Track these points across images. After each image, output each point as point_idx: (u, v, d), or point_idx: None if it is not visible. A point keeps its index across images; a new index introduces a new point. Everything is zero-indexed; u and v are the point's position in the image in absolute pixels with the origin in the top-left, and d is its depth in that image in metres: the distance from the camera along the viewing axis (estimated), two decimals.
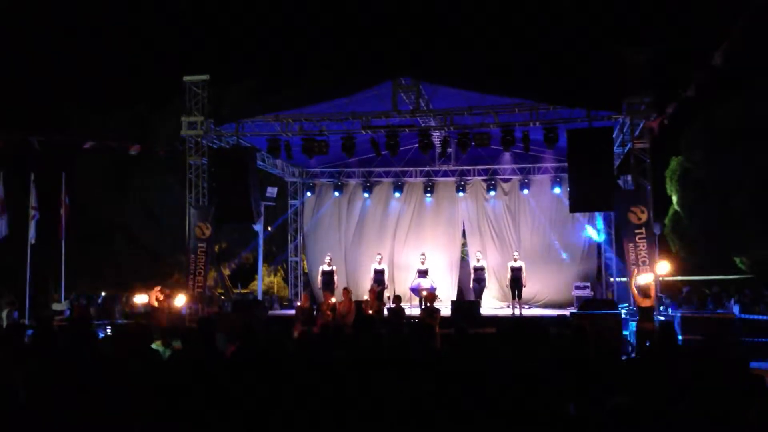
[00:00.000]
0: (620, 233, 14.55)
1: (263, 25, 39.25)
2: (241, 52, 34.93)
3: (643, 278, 12.09)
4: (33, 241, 15.57)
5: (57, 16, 29.48)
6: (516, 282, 16.20)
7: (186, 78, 15.60)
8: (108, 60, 29.90)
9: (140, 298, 13.90)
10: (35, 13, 29.65)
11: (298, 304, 14.44)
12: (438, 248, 18.85)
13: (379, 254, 17.50)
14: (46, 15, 29.26)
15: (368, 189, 19.56)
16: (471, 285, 17.01)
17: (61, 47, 28.79)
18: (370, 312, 13.23)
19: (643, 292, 11.58)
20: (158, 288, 13.65)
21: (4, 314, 14.31)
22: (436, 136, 15.98)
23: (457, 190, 18.84)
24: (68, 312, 15.08)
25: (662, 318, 12.58)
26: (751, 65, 19.02)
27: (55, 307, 15.47)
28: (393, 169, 19.37)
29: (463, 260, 19.63)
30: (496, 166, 18.70)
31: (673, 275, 17.28)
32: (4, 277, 16.17)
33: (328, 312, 13.09)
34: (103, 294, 18.83)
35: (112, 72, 28.82)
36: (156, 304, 13.27)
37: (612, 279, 17.34)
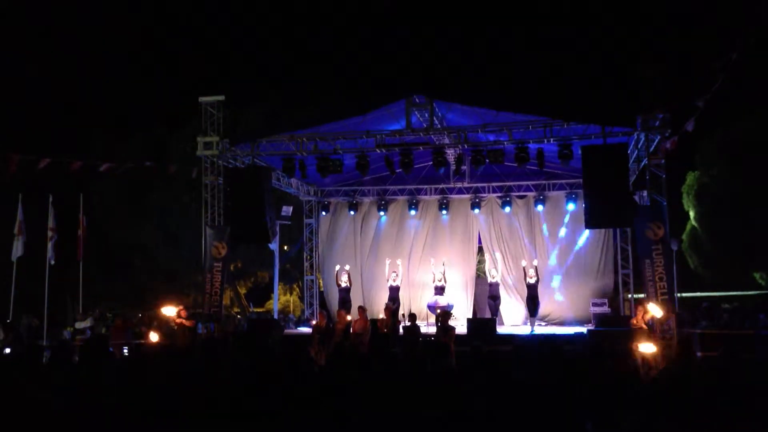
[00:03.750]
0: (637, 249, 14.44)
1: (278, 46, 39.61)
2: (256, 73, 35.27)
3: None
4: (52, 262, 15.74)
5: (76, 40, 29.92)
6: (532, 299, 16.13)
7: (202, 99, 15.75)
8: (126, 82, 30.30)
9: (168, 311, 13.97)
10: (54, 38, 30.13)
11: (314, 322, 14.44)
12: (453, 265, 18.79)
13: (394, 272, 17.45)
14: (65, 40, 29.71)
15: (383, 207, 19.59)
16: (487, 302, 16.93)
17: (78, 69, 29.21)
18: (385, 330, 13.21)
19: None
20: (181, 307, 13.87)
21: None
22: (450, 154, 16.01)
23: (472, 207, 18.81)
24: (89, 332, 15.17)
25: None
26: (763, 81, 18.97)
27: (78, 325, 15.57)
28: (408, 186, 19.40)
29: (479, 277, 19.55)
30: (511, 183, 18.67)
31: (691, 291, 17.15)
32: (23, 297, 16.31)
33: (341, 330, 13.10)
34: (139, 316, 18.91)
35: (131, 94, 29.17)
36: (179, 320, 13.44)
37: (630, 295, 17.19)
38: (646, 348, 10.83)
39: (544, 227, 18.62)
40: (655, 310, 12.26)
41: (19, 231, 15.53)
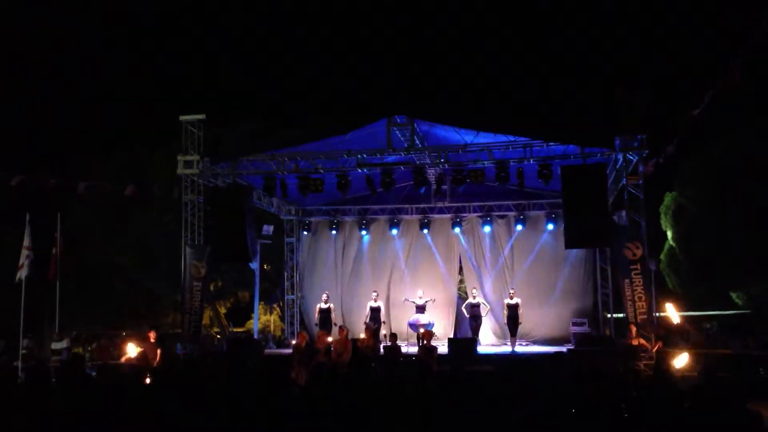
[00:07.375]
0: (616, 269, 14.55)
1: (259, 65, 39.69)
2: (238, 93, 35.29)
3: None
4: (21, 278, 15.40)
5: (56, 58, 29.80)
6: (512, 319, 16.16)
7: (182, 117, 15.68)
8: (107, 101, 30.17)
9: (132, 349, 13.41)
10: (35, 55, 29.98)
11: (294, 342, 14.33)
12: (434, 285, 18.79)
13: (375, 291, 17.44)
14: (46, 58, 29.58)
15: (364, 226, 19.59)
16: (468, 322, 16.93)
17: (60, 88, 29.06)
18: (366, 350, 13.14)
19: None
20: (151, 332, 13.37)
21: None
22: (431, 173, 16.06)
23: (453, 227, 18.86)
24: (65, 353, 14.90)
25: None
26: (746, 103, 19.24)
27: (54, 346, 15.31)
28: (389, 206, 19.41)
29: (460, 297, 19.56)
30: (492, 203, 18.76)
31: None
32: None
33: (322, 350, 13.00)
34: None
35: (111, 113, 29.05)
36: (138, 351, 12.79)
37: (609, 315, 17.27)
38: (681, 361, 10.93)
39: (524, 247, 18.68)
40: (672, 314, 12.38)
41: None
